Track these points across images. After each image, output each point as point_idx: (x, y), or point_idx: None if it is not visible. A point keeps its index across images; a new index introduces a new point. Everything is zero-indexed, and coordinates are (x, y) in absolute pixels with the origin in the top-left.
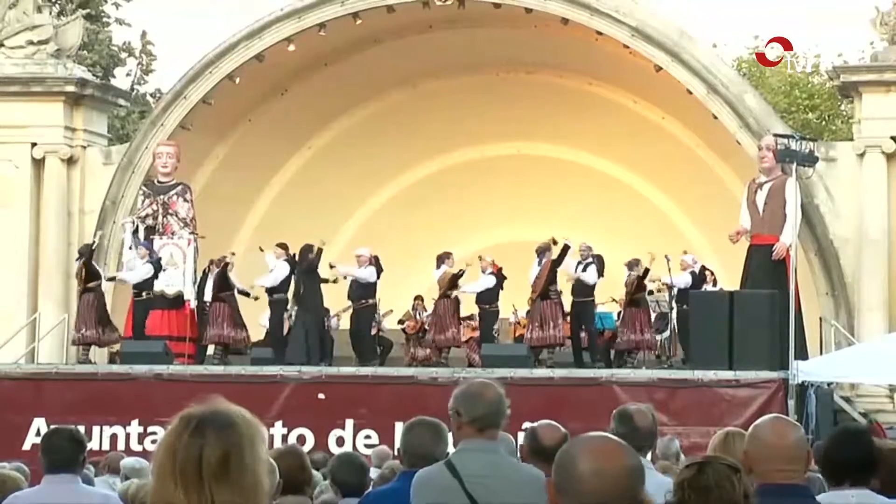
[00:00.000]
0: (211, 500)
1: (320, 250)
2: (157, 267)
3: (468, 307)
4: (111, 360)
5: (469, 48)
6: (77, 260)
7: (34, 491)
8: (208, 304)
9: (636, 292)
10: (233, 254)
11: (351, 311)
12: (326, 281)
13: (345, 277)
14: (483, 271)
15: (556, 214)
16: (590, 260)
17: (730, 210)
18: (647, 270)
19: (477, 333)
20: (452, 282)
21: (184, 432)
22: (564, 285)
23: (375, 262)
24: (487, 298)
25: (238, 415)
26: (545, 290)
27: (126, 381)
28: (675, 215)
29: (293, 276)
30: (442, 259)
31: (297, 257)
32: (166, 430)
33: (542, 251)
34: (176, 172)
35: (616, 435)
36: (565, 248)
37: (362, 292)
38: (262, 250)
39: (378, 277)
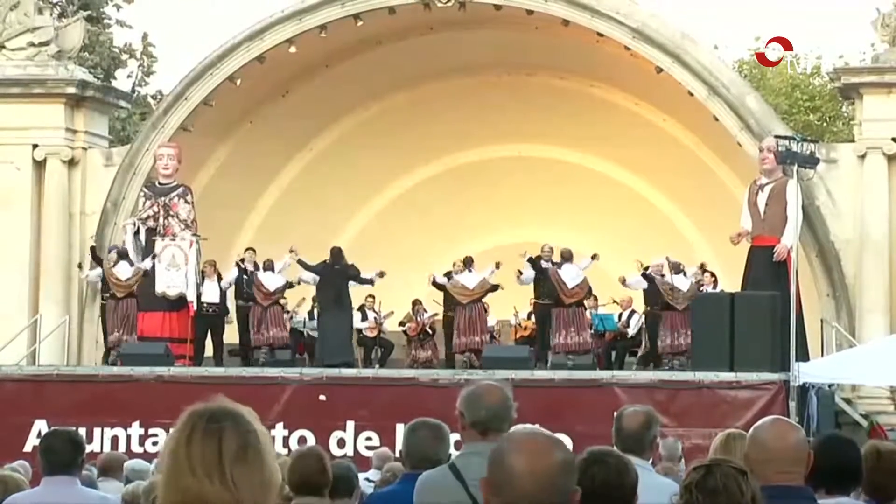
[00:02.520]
0: (233, 485)
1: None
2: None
3: None
4: (112, 362)
5: (470, 50)
6: (113, 265)
7: (33, 492)
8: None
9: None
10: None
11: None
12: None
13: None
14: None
15: (557, 216)
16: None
17: (731, 211)
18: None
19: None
20: (491, 290)
21: (199, 423)
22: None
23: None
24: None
25: (248, 411)
26: (582, 298)
27: (127, 383)
28: (676, 216)
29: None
30: (468, 263)
31: (329, 259)
32: (175, 427)
33: (568, 257)
34: (177, 174)
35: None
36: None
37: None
38: (291, 251)
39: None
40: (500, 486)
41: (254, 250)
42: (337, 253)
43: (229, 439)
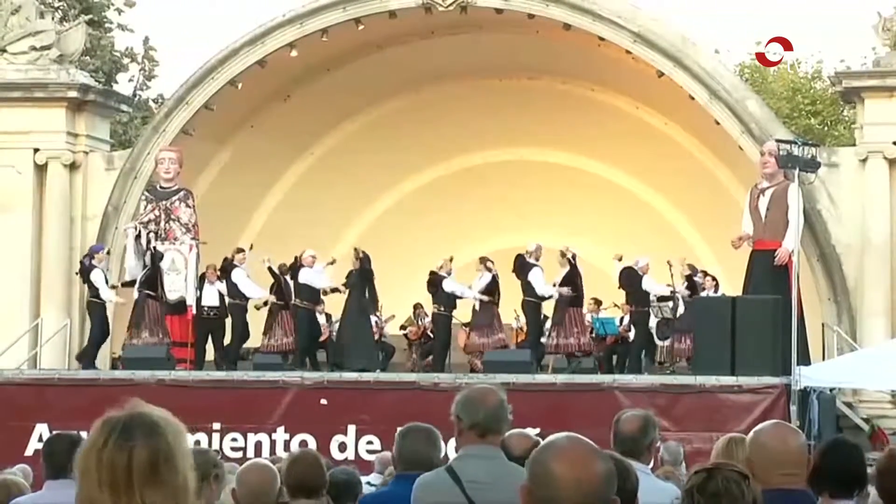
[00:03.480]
0: (141, 501)
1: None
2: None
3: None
4: (113, 366)
5: (471, 54)
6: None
7: (35, 496)
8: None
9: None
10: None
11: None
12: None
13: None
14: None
15: (558, 220)
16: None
17: (732, 215)
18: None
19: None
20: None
21: (110, 437)
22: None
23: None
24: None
25: (161, 417)
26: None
27: (128, 387)
28: (677, 221)
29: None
30: (486, 263)
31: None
32: (89, 435)
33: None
34: (178, 178)
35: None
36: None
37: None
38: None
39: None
40: (543, 495)
41: (243, 250)
42: (365, 256)
43: (140, 456)
